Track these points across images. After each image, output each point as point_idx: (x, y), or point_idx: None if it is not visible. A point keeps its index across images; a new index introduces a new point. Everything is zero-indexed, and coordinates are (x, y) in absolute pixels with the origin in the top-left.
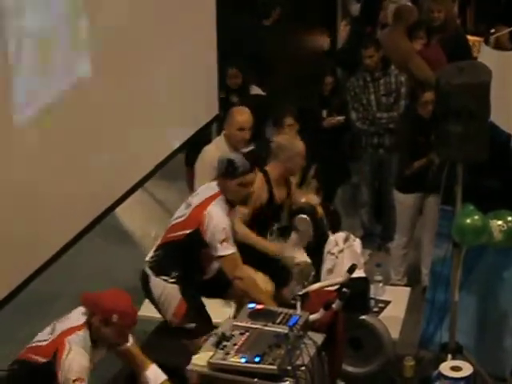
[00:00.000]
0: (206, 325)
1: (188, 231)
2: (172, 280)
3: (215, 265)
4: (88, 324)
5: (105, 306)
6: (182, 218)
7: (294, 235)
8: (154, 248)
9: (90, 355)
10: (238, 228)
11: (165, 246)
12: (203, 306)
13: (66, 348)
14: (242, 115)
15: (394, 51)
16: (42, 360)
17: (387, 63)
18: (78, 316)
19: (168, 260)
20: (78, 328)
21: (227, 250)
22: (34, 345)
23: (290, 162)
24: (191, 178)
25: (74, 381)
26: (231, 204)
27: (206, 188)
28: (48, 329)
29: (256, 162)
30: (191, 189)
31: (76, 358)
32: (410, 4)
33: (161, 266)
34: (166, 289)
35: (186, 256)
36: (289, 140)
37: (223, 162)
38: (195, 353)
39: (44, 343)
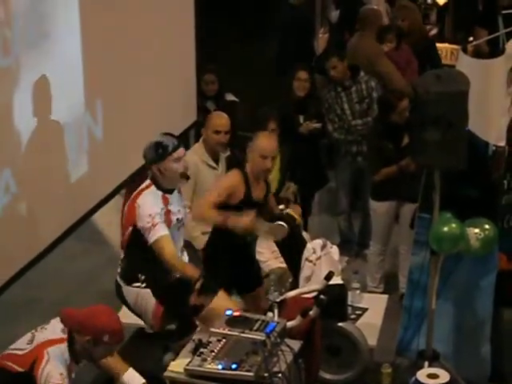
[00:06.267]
0: (186, 324)
1: (130, 228)
2: (143, 285)
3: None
4: (70, 340)
5: (95, 326)
6: (123, 218)
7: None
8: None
9: (66, 370)
10: (207, 214)
11: (125, 251)
12: (181, 305)
13: (45, 358)
14: (219, 119)
15: (363, 56)
16: (18, 369)
17: (356, 70)
18: (57, 328)
19: (131, 263)
20: (58, 341)
21: (155, 235)
22: (10, 352)
23: (252, 161)
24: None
25: None
26: (166, 190)
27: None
28: (26, 338)
29: (235, 165)
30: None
31: (55, 368)
32: (375, 7)
33: (127, 271)
34: (139, 295)
35: (144, 254)
36: (258, 139)
37: (151, 148)
38: (173, 359)
39: (22, 352)
